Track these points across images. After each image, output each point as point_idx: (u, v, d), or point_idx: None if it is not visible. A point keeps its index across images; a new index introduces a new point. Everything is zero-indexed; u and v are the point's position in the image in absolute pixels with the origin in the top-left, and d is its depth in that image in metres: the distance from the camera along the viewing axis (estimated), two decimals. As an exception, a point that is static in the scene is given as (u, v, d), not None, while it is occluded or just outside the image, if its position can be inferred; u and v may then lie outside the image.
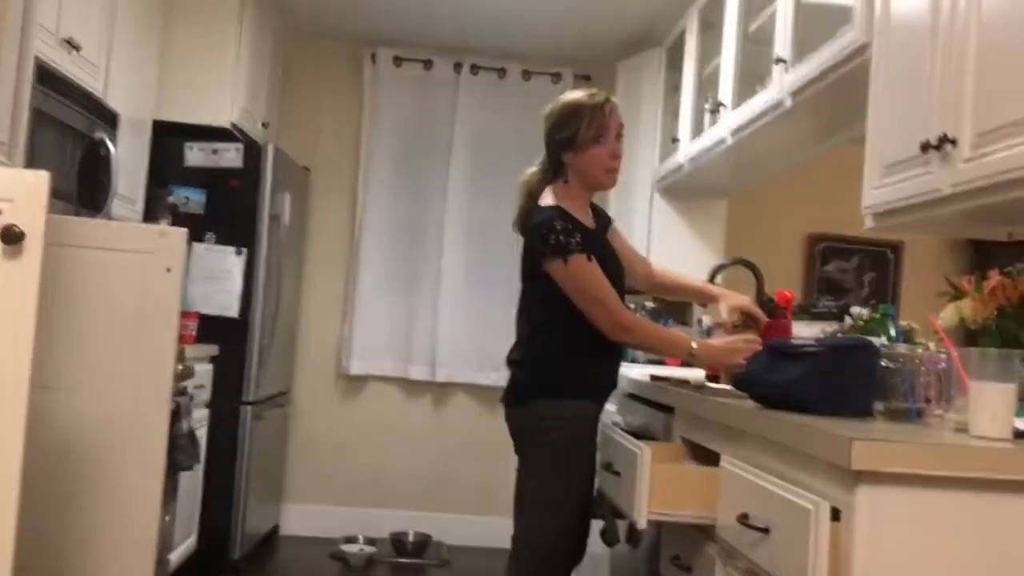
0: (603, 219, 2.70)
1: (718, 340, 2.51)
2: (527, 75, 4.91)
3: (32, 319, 1.43)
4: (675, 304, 4.24)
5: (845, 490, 1.36)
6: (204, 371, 3.74)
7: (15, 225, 1.40)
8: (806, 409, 1.71)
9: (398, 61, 4.89)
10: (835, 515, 1.39)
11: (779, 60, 2.73)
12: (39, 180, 1.42)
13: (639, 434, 2.47)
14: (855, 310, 2.35)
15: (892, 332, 2.11)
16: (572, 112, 2.48)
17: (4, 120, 2.22)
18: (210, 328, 3.89)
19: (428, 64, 4.90)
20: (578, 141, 2.46)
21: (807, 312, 2.98)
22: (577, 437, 2.47)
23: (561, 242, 2.38)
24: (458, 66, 4.90)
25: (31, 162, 2.61)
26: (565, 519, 2.48)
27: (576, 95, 2.54)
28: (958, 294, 1.88)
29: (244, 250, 4.00)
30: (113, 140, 3.26)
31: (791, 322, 2.59)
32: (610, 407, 3.15)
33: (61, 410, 2.10)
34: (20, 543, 1.51)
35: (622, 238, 2.79)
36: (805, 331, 2.56)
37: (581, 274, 2.39)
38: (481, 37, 4.71)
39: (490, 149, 4.89)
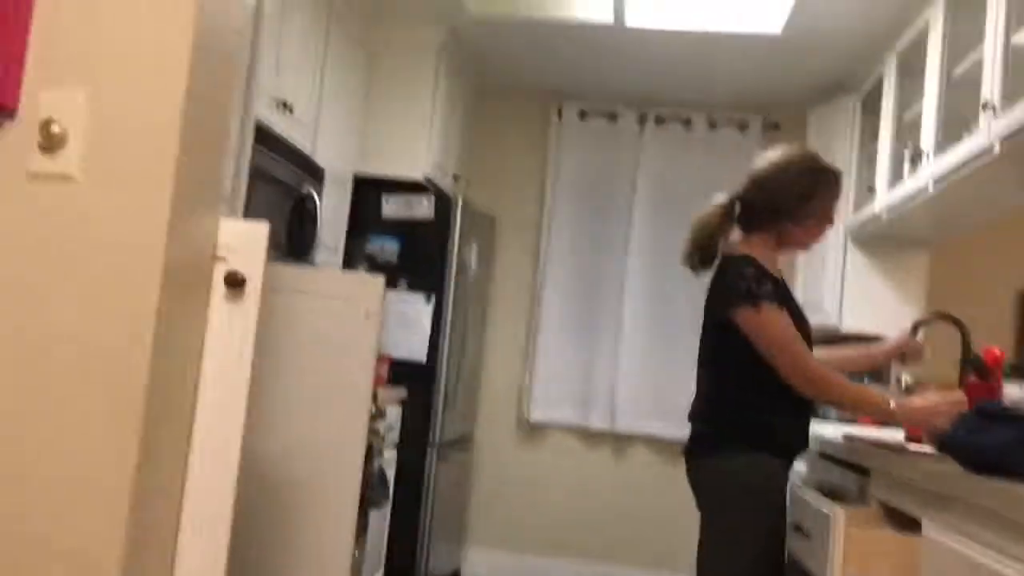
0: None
1: (920, 399, 2.35)
2: (713, 124, 4.88)
3: (250, 358, 1.55)
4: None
5: (1068, 567, 1.25)
6: (393, 413, 3.89)
7: (238, 272, 1.53)
8: (1018, 476, 1.58)
9: (583, 114, 4.98)
10: (1057, 594, 1.28)
11: (987, 105, 2.59)
12: (259, 231, 1.54)
13: (832, 496, 2.36)
14: (1076, 371, 2.17)
15: (1121, 396, 1.93)
16: (814, 175, 2.39)
17: (228, 177, 2.43)
18: (399, 372, 4.05)
19: (612, 117, 4.96)
20: (809, 209, 2.38)
21: (1019, 372, 2.76)
22: (765, 491, 2.37)
23: (752, 289, 2.31)
24: (643, 117, 4.93)
25: (248, 216, 2.84)
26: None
27: (816, 154, 2.44)
28: None
29: (433, 297, 4.16)
30: (319, 194, 3.49)
31: (1001, 383, 2.42)
32: (800, 467, 3.03)
33: (268, 443, 2.24)
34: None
35: None
36: (1016, 392, 2.38)
37: (771, 322, 2.31)
38: (666, 89, 4.73)
39: (674, 199, 4.88)
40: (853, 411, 2.32)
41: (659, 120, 4.92)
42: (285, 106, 3.13)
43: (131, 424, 1.35)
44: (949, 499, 1.71)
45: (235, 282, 1.53)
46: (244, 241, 1.56)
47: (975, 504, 1.57)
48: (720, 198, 2.47)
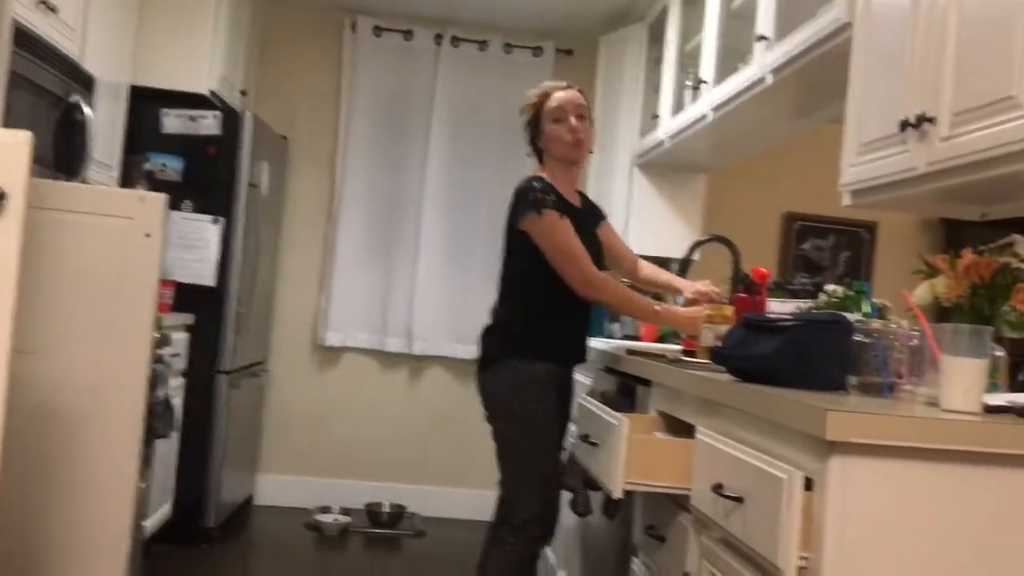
0: (595, 211, 2.92)
1: (683, 309, 2.74)
2: (509, 48, 4.90)
3: (13, 280, 1.43)
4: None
5: (818, 460, 1.39)
6: (180, 340, 3.73)
7: (-4, 185, 1.39)
8: (781, 382, 1.73)
9: (378, 31, 4.85)
10: (808, 485, 1.42)
11: (761, 37, 2.74)
12: (21, 140, 1.41)
13: (615, 406, 2.50)
14: (830, 287, 2.38)
15: (866, 309, 2.14)
16: (538, 99, 2.74)
17: (-20, 81, 2.19)
18: (186, 297, 3.87)
19: (409, 34, 4.87)
20: (543, 123, 2.72)
21: (783, 289, 3.02)
22: (543, 398, 2.62)
23: (537, 198, 2.59)
24: (439, 37, 4.87)
25: (6, 125, 2.58)
26: (541, 484, 2.57)
27: (545, 85, 2.80)
28: (932, 272, 1.91)
29: (221, 219, 3.98)
30: (90, 104, 3.23)
31: (766, 298, 2.63)
32: (586, 380, 3.18)
33: (39, 374, 2.09)
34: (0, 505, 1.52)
35: (615, 234, 3.00)
36: (780, 308, 2.59)
37: (553, 228, 2.58)
38: (463, 8, 4.69)
39: (470, 121, 4.88)
40: (626, 313, 2.63)
41: (455, 41, 4.88)
42: (46, 5, 2.84)
43: None
44: (718, 405, 1.85)
45: (-7, 196, 1.39)
46: (3, 151, 1.42)
47: (740, 410, 1.71)
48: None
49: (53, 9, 2.88)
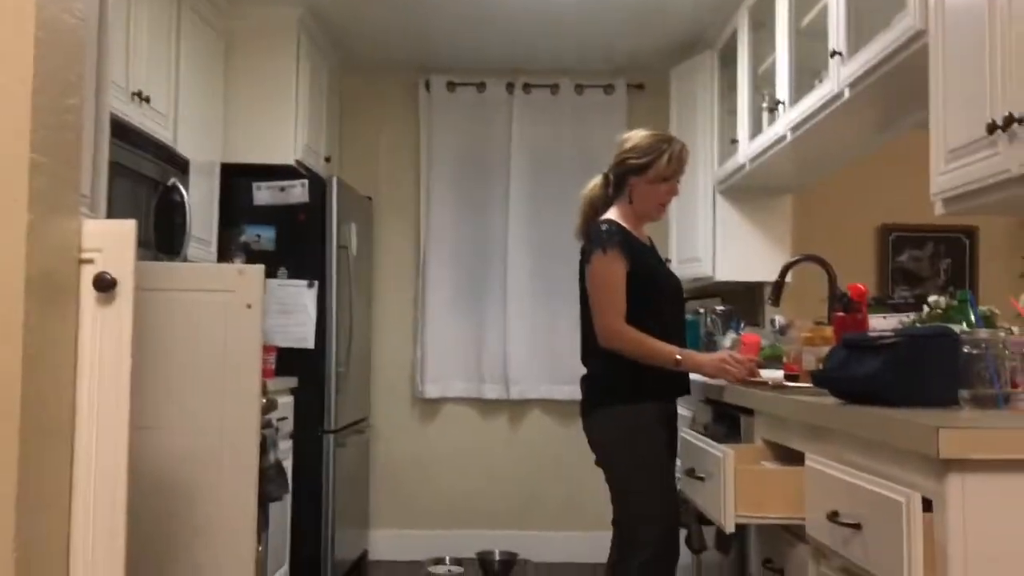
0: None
1: (707, 354, 2.78)
2: (580, 89, 4.94)
3: (128, 363, 1.50)
4: (747, 304, 4.22)
5: (935, 480, 1.35)
6: (285, 403, 3.82)
7: (107, 273, 1.47)
8: (889, 401, 1.69)
9: (451, 86, 4.96)
10: (927, 506, 1.37)
11: (835, 53, 2.71)
12: (126, 229, 1.49)
13: (718, 438, 2.46)
14: (932, 299, 2.31)
15: (972, 318, 2.07)
16: (657, 146, 2.70)
17: (86, 174, 2.32)
18: (287, 361, 3.98)
19: (481, 87, 4.96)
20: (650, 173, 2.68)
21: (883, 304, 2.93)
22: (654, 437, 2.59)
23: (604, 239, 2.61)
24: (511, 86, 4.95)
25: (111, 213, 2.72)
26: (661, 520, 2.54)
27: (665, 135, 2.79)
28: (1039, 274, 1.84)
29: (316, 282, 4.10)
30: (185, 185, 3.38)
31: (867, 316, 2.56)
32: (686, 412, 3.14)
33: (157, 448, 2.18)
34: (128, 577, 1.57)
35: None
36: (882, 324, 2.52)
37: (609, 269, 2.60)
38: (532, 55, 4.76)
39: (547, 164, 4.93)
40: (645, 362, 2.59)
41: (527, 88, 4.95)
42: (140, 96, 3.00)
43: (7, 439, 1.29)
44: (826, 430, 1.81)
45: (104, 284, 1.47)
46: (110, 241, 1.50)
47: (849, 433, 1.67)
48: (598, 177, 2.81)
49: (147, 99, 3.04)
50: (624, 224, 2.69)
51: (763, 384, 2.52)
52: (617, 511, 2.65)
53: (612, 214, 2.72)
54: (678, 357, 2.58)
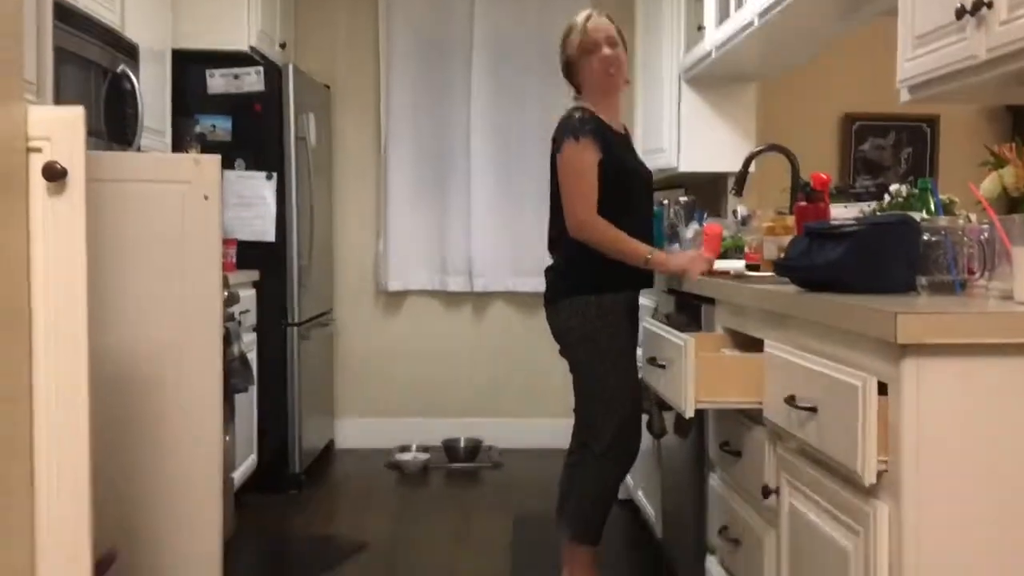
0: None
1: (677, 254, 2.76)
2: (544, -26, 4.79)
3: (83, 255, 1.47)
4: (710, 194, 4.22)
5: (891, 364, 1.38)
6: (248, 296, 3.81)
7: (56, 162, 1.42)
8: (849, 288, 1.71)
9: (411, -32, 4.78)
10: (882, 390, 1.41)
11: (804, -66, 2.64)
12: (75, 116, 1.43)
13: (680, 327, 2.49)
14: (893, 187, 2.32)
15: (932, 206, 2.09)
16: (567, 28, 2.76)
17: (30, 60, 2.23)
18: (249, 254, 3.94)
19: (442, -31, 4.80)
20: (573, 54, 2.71)
21: (845, 193, 2.95)
22: (618, 326, 2.64)
23: (576, 126, 2.59)
24: (473, -32, 4.79)
25: (58, 102, 2.62)
26: (622, 409, 2.59)
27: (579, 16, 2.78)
28: (999, 162, 1.85)
29: (275, 174, 4.02)
30: (135, 73, 3.26)
31: (829, 205, 2.57)
32: (648, 302, 3.17)
33: (117, 343, 2.16)
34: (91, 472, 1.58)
35: None
36: (844, 213, 2.53)
37: (580, 157, 2.58)
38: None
39: (510, 52, 4.82)
40: (613, 256, 2.60)
41: (489, -29, 4.79)
42: (84, -22, 2.86)
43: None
44: (786, 317, 1.83)
45: (54, 174, 1.43)
46: (58, 128, 1.45)
47: (808, 320, 1.70)
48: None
49: (89, -19, 2.90)
50: (595, 111, 2.67)
51: (724, 274, 2.54)
52: (579, 400, 2.71)
53: (582, 103, 2.72)
54: (648, 257, 2.59)
